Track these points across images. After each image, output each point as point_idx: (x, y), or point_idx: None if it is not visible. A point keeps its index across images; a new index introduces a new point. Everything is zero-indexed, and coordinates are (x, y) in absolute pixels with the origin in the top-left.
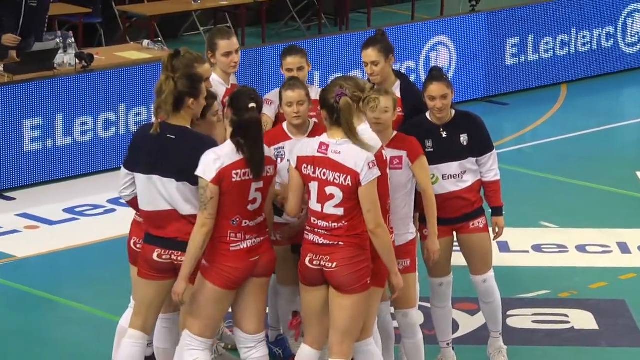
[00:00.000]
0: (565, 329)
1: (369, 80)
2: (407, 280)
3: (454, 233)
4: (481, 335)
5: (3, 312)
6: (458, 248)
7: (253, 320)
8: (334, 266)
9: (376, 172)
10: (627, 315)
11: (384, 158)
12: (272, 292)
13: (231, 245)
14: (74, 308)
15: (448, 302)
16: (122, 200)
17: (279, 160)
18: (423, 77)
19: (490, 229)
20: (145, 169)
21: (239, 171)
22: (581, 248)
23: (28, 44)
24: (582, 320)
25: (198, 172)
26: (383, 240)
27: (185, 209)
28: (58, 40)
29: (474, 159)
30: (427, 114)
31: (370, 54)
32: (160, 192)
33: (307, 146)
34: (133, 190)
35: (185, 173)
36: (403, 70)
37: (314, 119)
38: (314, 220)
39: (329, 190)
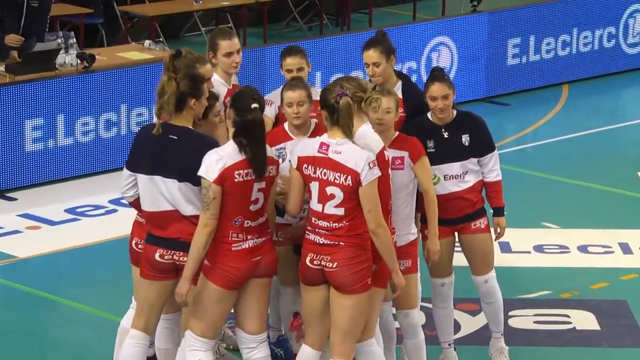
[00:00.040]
0: (567, 330)
1: (370, 81)
2: (408, 281)
3: (456, 233)
4: (483, 336)
5: (4, 312)
6: (460, 248)
7: (255, 321)
8: (334, 266)
9: (376, 172)
10: (629, 315)
11: (386, 158)
12: (274, 292)
13: (233, 245)
14: (75, 308)
15: (450, 303)
16: (123, 201)
17: (280, 160)
18: (424, 78)
19: (492, 230)
20: (148, 169)
21: (241, 171)
22: (583, 248)
23: (29, 44)
24: (584, 320)
25: (200, 173)
26: (384, 240)
27: (188, 210)
28: (59, 40)
29: (475, 160)
30: (429, 115)
31: (372, 55)
32: (162, 193)
33: (308, 146)
34: (136, 191)
35: (187, 173)
36: (404, 71)
37: (315, 120)
38: (315, 220)
39: (330, 190)
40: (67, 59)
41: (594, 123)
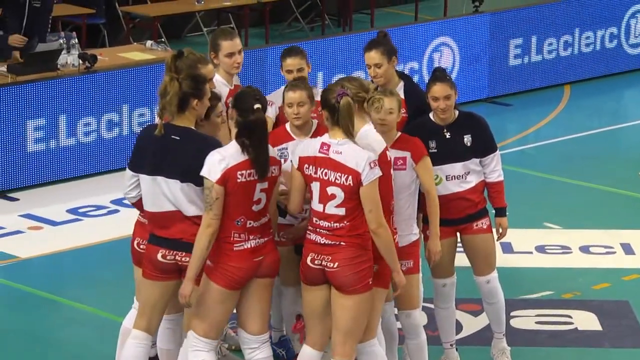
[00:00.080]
0: (569, 330)
1: (372, 82)
2: (410, 281)
3: (458, 234)
4: (485, 336)
5: (6, 312)
6: (462, 249)
7: (257, 321)
8: (335, 266)
9: (377, 172)
10: (631, 316)
11: (388, 159)
12: (275, 292)
13: (235, 245)
14: (77, 309)
15: (451, 303)
16: (125, 201)
17: (282, 161)
18: (426, 78)
19: (494, 230)
20: (150, 170)
21: (244, 172)
22: (585, 249)
23: (31, 44)
24: (586, 321)
25: (203, 173)
26: (385, 240)
27: (190, 210)
28: (61, 41)
29: (477, 160)
30: (431, 115)
31: (373, 56)
32: (164, 193)
33: (309, 146)
34: (139, 192)
35: (190, 174)
36: (406, 71)
37: (317, 120)
38: (316, 220)
39: (331, 190)
40: (69, 59)
41: (596, 123)
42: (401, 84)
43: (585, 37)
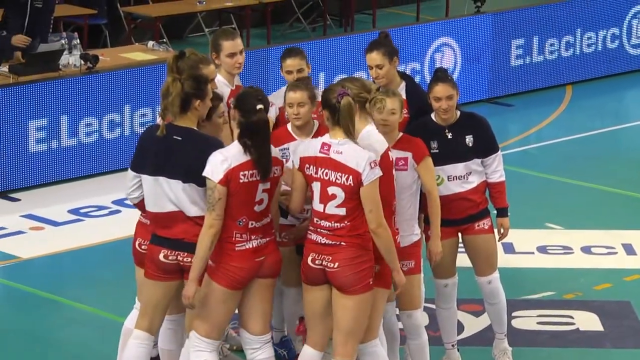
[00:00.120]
0: (570, 331)
1: (374, 82)
2: (411, 282)
3: (459, 234)
4: (486, 337)
5: (7, 312)
6: (463, 249)
7: (259, 321)
8: (336, 266)
9: (378, 172)
10: (632, 316)
11: (390, 159)
12: (277, 293)
13: (236, 245)
14: (78, 309)
15: (453, 304)
16: (127, 202)
17: (284, 161)
18: (428, 79)
19: (496, 230)
20: (152, 170)
21: (246, 172)
22: (586, 249)
23: (33, 45)
24: (587, 321)
25: (206, 173)
26: (385, 239)
27: (192, 211)
28: (63, 41)
29: (479, 160)
30: (432, 115)
31: (375, 57)
32: (166, 194)
33: (309, 147)
34: (141, 193)
35: (192, 174)
36: (408, 72)
37: (318, 120)
38: (317, 220)
39: (331, 190)
40: (71, 59)
41: (598, 124)
42: (403, 84)
43: (587, 38)
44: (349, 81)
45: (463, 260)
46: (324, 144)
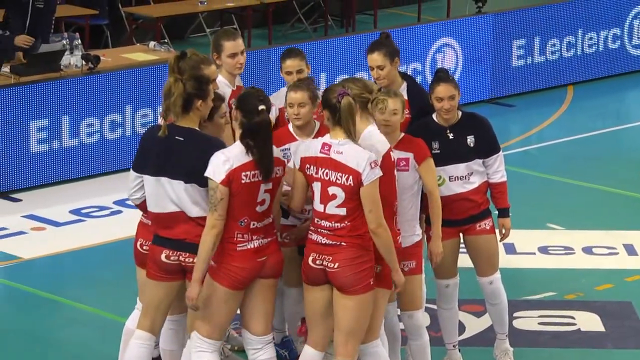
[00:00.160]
0: (572, 331)
1: (375, 83)
2: (413, 282)
3: (461, 235)
4: (487, 337)
5: (8, 312)
6: (464, 249)
7: (261, 322)
8: (336, 266)
9: (378, 172)
10: (634, 317)
11: (392, 160)
12: (278, 293)
13: (238, 245)
14: (79, 309)
15: (454, 304)
16: (128, 202)
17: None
18: (429, 79)
19: (497, 231)
20: (154, 171)
21: (248, 173)
22: (587, 250)
23: (34, 45)
24: (589, 322)
25: (208, 174)
26: (384, 240)
27: (194, 211)
28: (64, 41)
29: (480, 161)
30: (434, 116)
31: (376, 58)
32: (168, 194)
33: (310, 147)
34: (143, 194)
35: (194, 175)
36: (409, 72)
37: (319, 121)
38: (317, 221)
39: (332, 190)
40: (72, 60)
41: (599, 124)
42: (404, 84)
43: (588, 38)
44: (351, 81)
45: (464, 260)
46: (324, 144)
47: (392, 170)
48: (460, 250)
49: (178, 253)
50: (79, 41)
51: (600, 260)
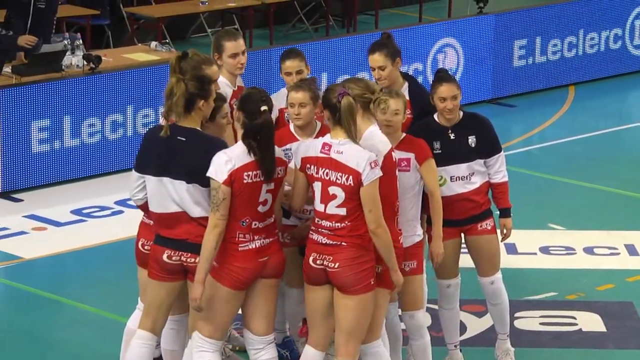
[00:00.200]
0: (573, 331)
1: (376, 83)
2: (414, 282)
3: (462, 235)
4: (489, 337)
5: (10, 313)
6: (466, 250)
7: (262, 322)
8: (336, 266)
9: (378, 172)
10: (635, 317)
11: (394, 160)
12: (279, 294)
13: (240, 245)
14: (80, 309)
15: (456, 304)
16: (129, 202)
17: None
18: (431, 79)
19: (498, 231)
20: (156, 171)
21: (250, 173)
22: (589, 250)
23: (36, 45)
24: (590, 322)
25: (210, 174)
26: (383, 240)
27: (195, 211)
28: (66, 41)
29: (482, 161)
30: (435, 116)
31: (377, 58)
32: (170, 195)
33: (311, 147)
34: (145, 194)
35: (196, 175)
36: (410, 72)
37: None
38: (318, 220)
39: (332, 190)
40: (74, 60)
41: (600, 125)
42: (406, 85)
43: (590, 38)
44: (353, 82)
45: (466, 260)
46: (324, 144)
47: (393, 171)
48: (462, 250)
49: (180, 253)
50: (81, 41)
51: (602, 260)
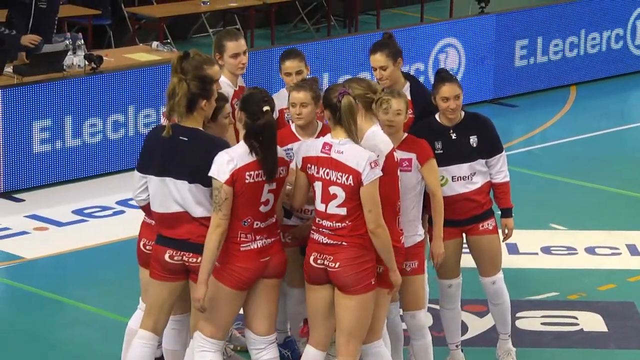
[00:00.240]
0: (574, 331)
1: (378, 84)
2: (415, 282)
3: (463, 235)
4: (490, 337)
5: (11, 313)
6: (467, 250)
7: (264, 322)
8: (337, 266)
9: (378, 172)
10: (636, 317)
11: (395, 160)
12: (280, 293)
13: (241, 245)
14: (81, 309)
15: (457, 304)
16: (131, 202)
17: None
18: (432, 79)
19: (500, 231)
20: (158, 171)
21: (252, 172)
22: (590, 250)
23: (38, 45)
24: (591, 322)
25: (212, 173)
26: (383, 240)
27: (197, 211)
28: (67, 41)
29: (483, 161)
30: (437, 116)
31: (379, 58)
32: (172, 194)
33: (311, 147)
34: (148, 195)
35: (198, 175)
36: (412, 72)
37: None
38: (319, 220)
39: (332, 190)
40: (75, 60)
41: (602, 124)
42: (407, 85)
43: (591, 38)
44: (354, 82)
45: (467, 260)
46: (325, 144)
47: (395, 171)
48: (463, 250)
49: (182, 253)
50: (82, 41)
51: (603, 260)
